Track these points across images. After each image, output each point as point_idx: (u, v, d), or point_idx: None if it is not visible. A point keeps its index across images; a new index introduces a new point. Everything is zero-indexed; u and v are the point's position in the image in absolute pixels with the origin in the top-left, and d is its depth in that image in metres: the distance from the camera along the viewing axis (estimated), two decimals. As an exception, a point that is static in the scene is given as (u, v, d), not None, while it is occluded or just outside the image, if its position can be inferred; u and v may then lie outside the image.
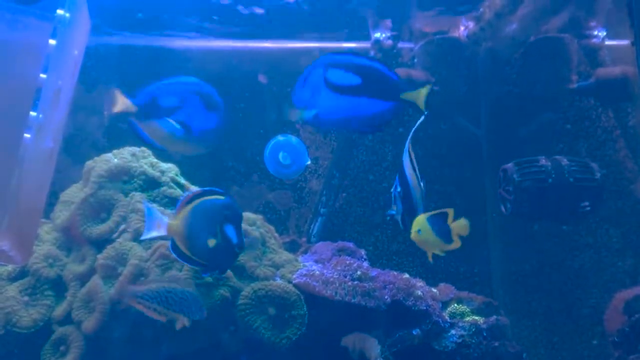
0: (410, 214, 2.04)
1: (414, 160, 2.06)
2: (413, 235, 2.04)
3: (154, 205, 2.13)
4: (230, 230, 1.99)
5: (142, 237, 1.98)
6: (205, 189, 2.03)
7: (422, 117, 2.06)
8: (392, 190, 2.07)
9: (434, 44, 3.29)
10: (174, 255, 1.97)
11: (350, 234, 3.36)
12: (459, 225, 2.08)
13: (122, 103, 1.95)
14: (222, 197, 2.03)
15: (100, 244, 2.35)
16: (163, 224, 1.95)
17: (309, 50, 3.57)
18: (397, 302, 2.27)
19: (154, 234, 1.95)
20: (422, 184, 2.05)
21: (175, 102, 2.01)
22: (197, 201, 2.00)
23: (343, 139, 3.45)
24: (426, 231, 2.03)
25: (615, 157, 3.06)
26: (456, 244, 2.09)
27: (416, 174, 2.05)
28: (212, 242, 1.95)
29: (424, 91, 2.01)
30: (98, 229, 2.35)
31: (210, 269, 2.02)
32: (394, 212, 2.08)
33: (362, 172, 3.43)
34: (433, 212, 2.05)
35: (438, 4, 3.27)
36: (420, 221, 2.04)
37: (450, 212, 2.08)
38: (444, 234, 2.06)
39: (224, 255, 2.00)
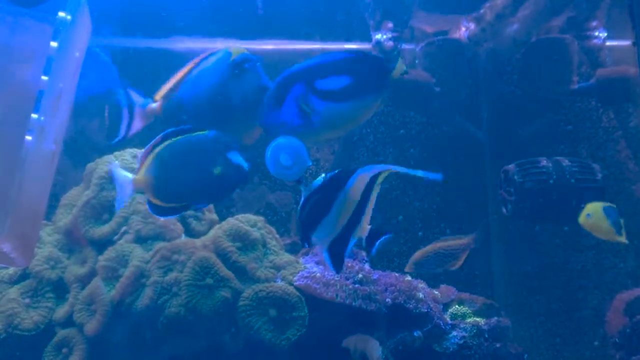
0: (315, 208, 1.69)
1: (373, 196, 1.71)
2: (581, 219, 2.07)
3: (118, 166, 1.97)
4: (236, 157, 1.90)
5: (117, 207, 1.89)
6: (168, 130, 1.88)
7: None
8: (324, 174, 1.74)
9: (434, 46, 3.29)
10: (150, 212, 1.85)
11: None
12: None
13: None
14: (200, 133, 1.88)
15: (101, 245, 2.35)
16: (127, 182, 1.84)
17: (310, 51, 3.57)
18: (398, 304, 2.27)
19: (125, 197, 1.85)
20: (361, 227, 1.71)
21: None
22: (162, 145, 1.87)
23: (344, 141, 3.45)
24: (599, 218, 2.06)
25: (617, 158, 3.06)
26: (623, 238, 2.14)
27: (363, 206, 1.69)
28: (217, 170, 1.85)
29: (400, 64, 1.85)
30: (100, 230, 2.35)
31: (203, 202, 1.91)
32: (301, 183, 1.76)
33: (363, 173, 3.42)
34: (606, 203, 2.07)
35: (439, 5, 3.27)
36: (595, 207, 2.07)
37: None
38: (616, 222, 2.09)
39: (230, 183, 1.89)
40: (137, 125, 2.01)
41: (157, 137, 1.89)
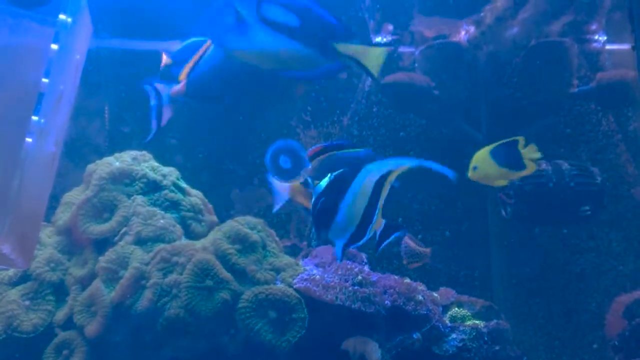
0: (327, 205, 1.67)
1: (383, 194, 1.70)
2: (470, 173, 1.97)
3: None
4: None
5: (274, 210, 1.96)
6: (327, 143, 1.96)
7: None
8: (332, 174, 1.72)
9: (434, 49, 3.29)
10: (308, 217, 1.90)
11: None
12: (531, 150, 2.04)
13: None
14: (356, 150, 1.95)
15: (101, 244, 2.35)
16: (285, 189, 1.93)
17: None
18: (397, 306, 2.27)
19: (282, 202, 1.94)
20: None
21: None
22: (320, 157, 1.94)
23: (344, 143, 3.45)
24: (487, 165, 1.96)
25: (616, 161, 3.07)
26: (531, 167, 2.04)
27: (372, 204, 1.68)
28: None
29: (378, 52, 1.67)
30: (100, 228, 2.36)
31: None
32: (308, 179, 1.78)
33: (363, 175, 3.42)
34: (497, 143, 1.96)
35: (439, 8, 3.27)
36: (480, 156, 1.97)
37: (521, 139, 2.02)
38: (513, 162, 1.99)
39: None
40: (168, 114, 2.02)
41: (313, 148, 1.96)
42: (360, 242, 1.68)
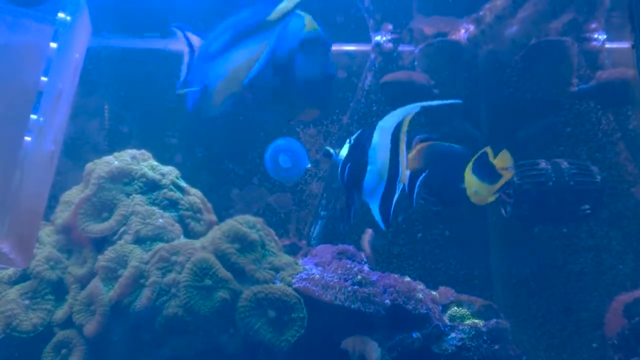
0: (354, 170, 1.75)
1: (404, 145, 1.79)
2: (473, 198, 2.00)
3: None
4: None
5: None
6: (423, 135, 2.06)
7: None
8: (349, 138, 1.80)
9: (433, 47, 3.29)
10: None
11: (351, 237, 3.36)
12: (501, 159, 2.05)
13: None
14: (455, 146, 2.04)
15: (100, 243, 2.35)
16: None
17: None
18: (397, 305, 2.27)
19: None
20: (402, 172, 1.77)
21: None
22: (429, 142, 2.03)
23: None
24: (480, 186, 2.00)
25: (616, 160, 3.06)
26: (507, 175, 2.06)
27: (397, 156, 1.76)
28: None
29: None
30: (99, 227, 2.35)
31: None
32: (330, 150, 1.82)
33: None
34: (471, 162, 1.99)
35: (439, 6, 3.27)
36: (472, 180, 1.99)
37: (489, 150, 2.04)
38: (488, 175, 2.02)
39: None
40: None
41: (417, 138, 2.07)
42: (395, 200, 1.71)
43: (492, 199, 2.06)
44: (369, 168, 1.73)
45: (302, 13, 1.93)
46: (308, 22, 1.93)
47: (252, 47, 1.90)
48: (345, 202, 1.83)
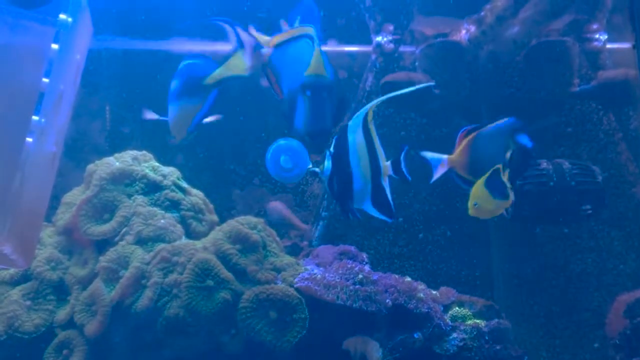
0: (341, 180, 1.77)
1: (374, 133, 1.80)
2: (471, 211, 2.01)
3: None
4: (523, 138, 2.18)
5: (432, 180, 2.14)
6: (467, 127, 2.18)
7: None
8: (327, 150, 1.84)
9: (434, 48, 3.28)
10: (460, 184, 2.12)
11: (352, 237, 3.36)
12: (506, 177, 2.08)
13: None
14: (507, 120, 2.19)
15: (102, 244, 2.35)
16: (444, 161, 2.13)
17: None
18: (398, 305, 2.27)
19: (439, 174, 2.13)
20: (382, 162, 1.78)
21: None
22: (474, 133, 2.15)
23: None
24: (485, 200, 2.00)
25: (617, 160, 3.06)
26: (511, 196, 2.08)
27: (372, 148, 1.78)
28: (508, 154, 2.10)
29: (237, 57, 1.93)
30: (101, 229, 2.36)
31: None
32: (316, 169, 1.83)
33: (363, 175, 3.42)
34: (487, 175, 2.01)
35: (440, 7, 3.27)
36: (479, 192, 2.00)
37: (500, 167, 2.05)
38: (501, 192, 2.03)
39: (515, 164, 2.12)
40: (249, 60, 2.06)
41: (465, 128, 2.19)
42: (387, 194, 1.74)
43: (497, 213, 2.07)
44: (354, 174, 1.74)
45: (312, 41, 1.97)
46: (314, 60, 1.94)
47: (195, 98, 2.01)
48: (341, 212, 1.84)
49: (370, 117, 1.76)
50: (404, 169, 1.75)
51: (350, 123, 1.76)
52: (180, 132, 2.09)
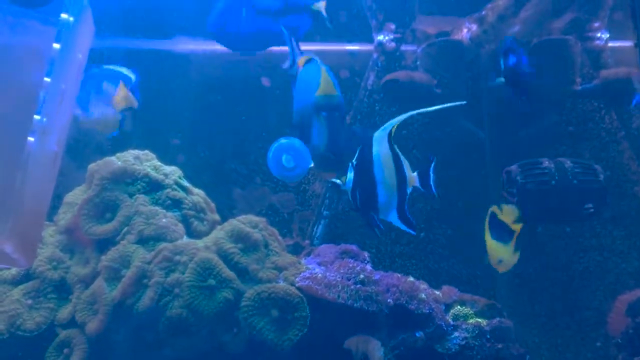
0: (365, 192, 1.77)
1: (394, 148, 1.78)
2: (500, 269, 1.99)
3: None
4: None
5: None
6: None
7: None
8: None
9: (436, 47, 3.28)
10: None
11: (354, 236, 3.36)
12: (507, 213, 2.04)
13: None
14: None
15: (103, 244, 2.36)
16: None
17: (311, 52, 3.57)
18: (400, 305, 2.27)
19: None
20: (409, 173, 1.78)
21: None
22: None
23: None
24: (501, 251, 1.98)
25: (619, 159, 3.06)
26: (517, 228, 2.06)
27: (398, 160, 1.77)
28: None
29: None
30: (102, 228, 2.36)
31: None
32: (337, 181, 1.82)
33: (365, 174, 3.42)
34: (486, 227, 1.97)
35: (441, 6, 3.27)
36: (495, 247, 1.97)
37: (494, 209, 2.03)
38: (505, 235, 2.01)
39: None
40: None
41: None
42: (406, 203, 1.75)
43: (515, 259, 2.05)
44: (379, 186, 1.74)
45: (320, 63, 2.05)
46: (323, 81, 1.99)
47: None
48: (367, 225, 1.83)
49: (393, 133, 1.75)
50: (431, 183, 1.74)
51: (375, 135, 1.75)
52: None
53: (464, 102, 1.79)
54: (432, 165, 1.75)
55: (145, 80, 3.33)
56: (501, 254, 1.99)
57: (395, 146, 1.76)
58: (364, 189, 1.75)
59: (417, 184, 1.76)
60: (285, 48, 3.65)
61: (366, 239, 3.36)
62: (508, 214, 2.05)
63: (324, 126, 2.05)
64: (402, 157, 1.75)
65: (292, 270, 2.35)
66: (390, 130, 1.74)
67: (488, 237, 1.98)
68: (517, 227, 2.06)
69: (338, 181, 1.80)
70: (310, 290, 2.24)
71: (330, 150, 2.08)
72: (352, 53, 3.61)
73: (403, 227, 1.78)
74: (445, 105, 1.73)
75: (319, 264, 2.44)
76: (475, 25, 3.28)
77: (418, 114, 1.78)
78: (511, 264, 2.04)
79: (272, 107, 3.52)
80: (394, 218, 1.77)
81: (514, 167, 2.64)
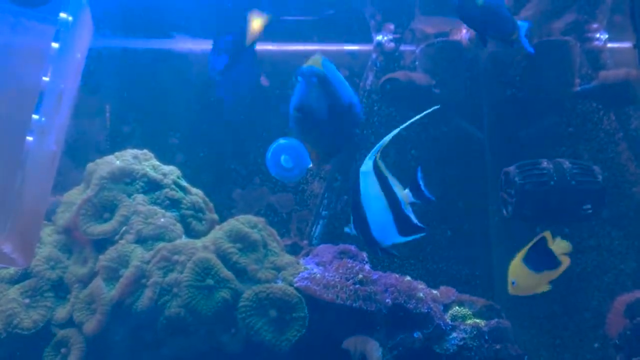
0: (361, 225, 1.79)
1: (385, 170, 1.78)
2: (510, 290, 1.96)
3: None
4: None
5: None
6: None
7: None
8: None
9: (435, 47, 3.29)
10: None
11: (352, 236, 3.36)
12: (560, 245, 2.01)
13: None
14: None
15: (102, 244, 2.35)
16: None
17: (311, 52, 3.58)
18: (398, 305, 2.27)
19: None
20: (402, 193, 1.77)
21: None
22: None
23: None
24: (524, 276, 1.93)
25: (617, 159, 3.06)
26: (565, 262, 2.02)
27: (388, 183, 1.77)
28: None
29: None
30: (101, 228, 2.36)
31: None
32: (348, 230, 1.85)
33: (364, 174, 3.42)
34: (527, 248, 1.94)
35: (441, 6, 3.27)
36: (516, 269, 1.94)
37: (548, 235, 1.99)
38: (545, 261, 1.96)
39: None
40: None
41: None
42: (413, 220, 1.75)
43: (545, 288, 2.01)
44: (368, 215, 1.75)
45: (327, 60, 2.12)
46: (313, 59, 2.08)
47: None
48: (384, 255, 1.86)
49: (378, 161, 1.77)
50: (424, 191, 1.74)
51: (361, 169, 1.77)
52: None
53: (438, 107, 1.78)
54: (419, 175, 1.75)
55: (144, 80, 3.34)
56: (523, 277, 1.96)
57: (384, 170, 1.76)
58: (359, 223, 1.78)
59: (412, 199, 1.76)
60: (284, 47, 3.66)
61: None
62: (561, 246, 2.02)
63: (297, 88, 2.13)
64: (390, 180, 1.76)
65: (291, 270, 2.35)
66: (376, 156, 1.76)
67: (519, 257, 1.95)
68: (567, 261, 2.02)
69: (348, 230, 1.83)
70: (308, 291, 2.24)
71: (299, 109, 2.14)
72: (351, 53, 3.61)
73: (410, 238, 1.79)
74: (424, 112, 1.73)
75: (318, 264, 2.44)
76: (474, 25, 3.28)
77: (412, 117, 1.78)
78: (526, 291, 2.02)
79: (272, 107, 3.52)
80: (397, 238, 1.79)
81: (512, 168, 2.64)
